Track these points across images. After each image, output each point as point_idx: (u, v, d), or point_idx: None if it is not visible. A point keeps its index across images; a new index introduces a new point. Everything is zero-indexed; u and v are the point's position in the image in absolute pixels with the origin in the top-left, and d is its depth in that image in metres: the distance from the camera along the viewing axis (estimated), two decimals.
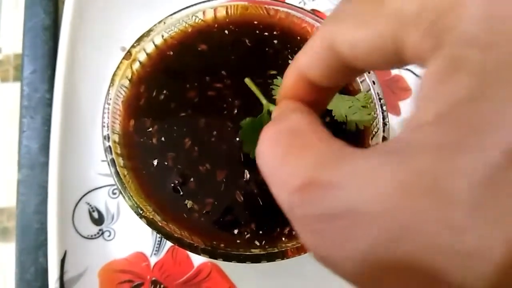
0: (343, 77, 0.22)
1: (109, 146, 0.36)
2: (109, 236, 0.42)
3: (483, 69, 0.13)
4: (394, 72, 0.49)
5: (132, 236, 0.42)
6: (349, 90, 0.39)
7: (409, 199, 0.13)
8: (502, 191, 0.11)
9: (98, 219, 0.42)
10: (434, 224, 0.12)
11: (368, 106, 0.37)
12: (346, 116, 0.36)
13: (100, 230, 0.42)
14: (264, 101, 0.35)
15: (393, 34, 0.17)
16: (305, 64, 0.22)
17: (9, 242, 0.47)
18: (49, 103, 0.44)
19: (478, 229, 0.11)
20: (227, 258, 0.34)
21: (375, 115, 0.37)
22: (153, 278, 0.41)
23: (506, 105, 0.12)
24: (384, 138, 0.36)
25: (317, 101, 0.23)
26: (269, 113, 0.35)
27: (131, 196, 0.34)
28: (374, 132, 0.37)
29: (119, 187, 0.35)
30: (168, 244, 0.42)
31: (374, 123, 0.38)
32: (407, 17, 0.16)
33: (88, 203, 0.42)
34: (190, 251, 0.34)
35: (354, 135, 0.37)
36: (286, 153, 0.18)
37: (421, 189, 0.12)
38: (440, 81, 0.14)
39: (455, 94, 0.13)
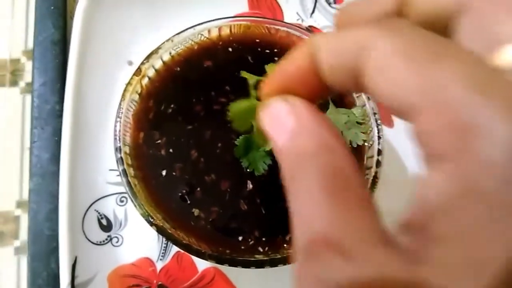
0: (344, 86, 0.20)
1: (121, 157, 0.38)
2: (117, 242, 0.44)
3: (495, 205, 0.13)
4: None
5: (139, 242, 0.44)
6: (345, 103, 0.42)
7: None
8: None
9: (106, 226, 0.44)
10: None
11: (365, 123, 0.40)
12: (342, 132, 0.39)
13: (108, 236, 0.44)
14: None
15: (417, 100, 0.16)
16: (325, 48, 0.19)
17: (5, 246, 0.49)
18: (59, 114, 0.46)
19: None
20: (233, 263, 0.36)
21: (370, 129, 0.40)
22: (160, 283, 0.43)
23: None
24: (379, 151, 0.39)
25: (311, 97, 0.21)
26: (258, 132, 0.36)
27: (142, 204, 0.37)
28: (370, 144, 0.40)
29: (131, 196, 0.37)
30: (174, 249, 0.44)
31: (370, 136, 0.40)
32: (439, 100, 0.15)
33: (97, 211, 0.44)
34: (197, 257, 0.36)
35: (351, 149, 0.40)
36: (321, 195, 0.17)
37: None
38: (451, 200, 0.14)
39: (464, 223, 0.14)
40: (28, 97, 0.52)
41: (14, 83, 0.53)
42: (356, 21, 0.21)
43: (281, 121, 0.19)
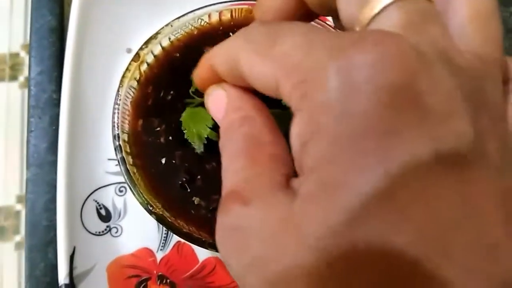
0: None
1: (119, 145, 0.37)
2: (116, 232, 0.43)
3: (334, 137, 0.16)
4: None
5: (139, 233, 0.43)
6: None
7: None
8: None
9: (105, 216, 0.43)
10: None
11: None
12: None
13: (107, 226, 0.43)
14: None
15: (275, 77, 0.19)
16: (216, 62, 0.24)
17: (6, 241, 0.48)
18: (56, 103, 0.45)
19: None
20: None
21: None
22: (160, 273, 0.42)
23: (347, 170, 0.15)
24: None
25: None
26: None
27: (141, 193, 0.36)
28: None
29: (129, 185, 0.36)
30: (174, 240, 0.43)
31: None
32: (286, 66, 0.18)
33: (96, 201, 0.44)
34: (198, 246, 0.35)
35: None
36: (236, 158, 0.21)
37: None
38: (304, 142, 0.17)
39: (315, 157, 0.17)
40: (27, 92, 0.51)
41: (13, 77, 0.53)
42: (267, 15, 0.25)
43: (219, 103, 0.24)
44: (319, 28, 0.19)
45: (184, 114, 0.38)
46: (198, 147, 0.38)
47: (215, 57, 0.24)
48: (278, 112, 0.37)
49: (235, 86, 0.24)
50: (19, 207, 0.48)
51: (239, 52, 0.21)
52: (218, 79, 0.25)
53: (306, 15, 0.25)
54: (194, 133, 0.37)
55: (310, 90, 0.17)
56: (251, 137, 0.21)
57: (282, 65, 0.18)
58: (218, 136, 0.37)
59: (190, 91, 0.38)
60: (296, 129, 0.18)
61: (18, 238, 0.47)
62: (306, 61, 0.17)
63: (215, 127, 0.37)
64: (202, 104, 0.38)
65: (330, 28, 0.42)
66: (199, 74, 0.27)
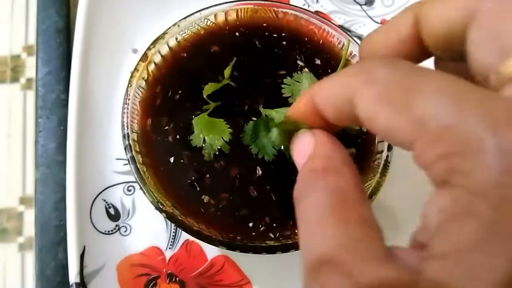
0: (347, 123, 0.23)
1: (129, 144, 0.37)
2: (125, 231, 0.44)
3: (490, 225, 0.15)
4: None
5: (148, 231, 0.44)
6: None
7: None
8: None
9: (114, 215, 0.44)
10: None
11: None
12: None
13: (116, 225, 0.44)
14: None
15: (410, 136, 0.18)
16: (322, 95, 0.23)
17: (9, 243, 0.48)
18: (64, 104, 0.46)
19: None
20: (244, 249, 0.36)
21: None
22: (169, 271, 0.43)
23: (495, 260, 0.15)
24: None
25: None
26: (266, 117, 0.38)
27: (151, 191, 0.36)
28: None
29: (140, 183, 0.36)
30: (183, 238, 0.44)
31: None
32: (430, 132, 0.17)
33: (105, 200, 0.44)
34: (208, 243, 0.36)
35: (361, 133, 0.39)
36: (324, 217, 0.19)
37: None
38: (449, 220, 0.16)
39: (461, 241, 0.15)
40: (29, 93, 0.51)
41: (15, 79, 0.53)
42: (377, 50, 0.24)
43: (303, 148, 0.24)
44: (462, 82, 0.17)
45: (198, 119, 0.38)
46: (208, 156, 0.38)
47: (322, 90, 0.23)
48: (277, 110, 0.38)
49: (326, 133, 0.24)
50: (22, 208, 0.49)
51: (358, 93, 0.20)
52: (314, 118, 0.24)
53: (419, 55, 0.24)
54: (207, 141, 0.38)
55: (462, 166, 0.15)
56: (339, 193, 0.20)
57: (423, 129, 0.17)
58: (230, 150, 0.38)
59: (204, 96, 0.38)
60: (440, 202, 0.16)
61: (21, 239, 0.48)
62: (456, 130, 0.16)
63: (231, 142, 0.38)
64: (217, 113, 0.39)
65: (345, 31, 0.42)
66: (294, 108, 0.25)
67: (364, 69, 0.20)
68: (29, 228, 0.47)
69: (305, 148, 0.23)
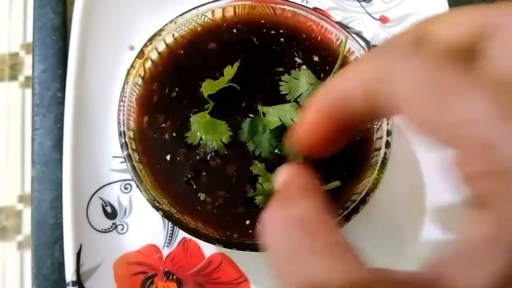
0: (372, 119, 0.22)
1: (125, 142, 0.37)
2: (122, 229, 0.43)
3: None
4: None
5: (145, 229, 0.44)
6: None
7: None
8: None
9: (111, 213, 0.44)
10: None
11: None
12: None
13: (113, 224, 0.43)
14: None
15: (451, 141, 0.17)
16: (349, 84, 0.21)
17: (8, 241, 0.48)
18: (60, 101, 0.45)
19: None
20: (241, 247, 0.35)
21: None
22: (166, 269, 0.43)
23: None
24: (388, 132, 0.38)
25: (331, 143, 0.24)
26: (264, 114, 0.38)
27: (148, 189, 0.36)
28: (378, 125, 0.39)
29: (136, 181, 0.36)
30: (180, 236, 0.43)
31: None
32: (475, 144, 0.16)
33: (101, 198, 0.44)
34: (205, 241, 0.35)
35: (358, 136, 0.39)
36: (295, 250, 0.19)
37: None
38: (491, 242, 0.15)
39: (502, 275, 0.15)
40: (28, 92, 0.51)
41: (13, 77, 0.53)
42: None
43: (281, 179, 0.25)
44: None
45: (198, 117, 0.38)
46: (203, 154, 0.38)
47: (347, 78, 0.21)
48: (280, 106, 0.38)
49: (301, 167, 0.24)
50: (21, 206, 0.48)
51: (397, 74, 0.18)
52: (326, 120, 0.22)
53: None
54: (204, 140, 0.37)
55: (506, 189, 0.15)
56: (302, 224, 0.20)
57: (469, 138, 0.16)
58: (226, 147, 0.38)
59: (205, 95, 0.38)
60: (480, 225, 0.16)
61: (20, 237, 0.47)
62: (503, 149, 0.15)
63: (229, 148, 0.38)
64: (214, 110, 0.38)
65: (344, 27, 0.42)
66: (308, 109, 0.23)
67: (389, 48, 0.20)
68: (28, 227, 0.47)
69: (282, 179, 0.24)
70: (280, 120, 0.36)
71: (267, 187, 0.36)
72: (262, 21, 0.42)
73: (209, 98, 0.38)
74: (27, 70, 0.53)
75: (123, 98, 0.38)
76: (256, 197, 0.36)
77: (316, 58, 0.42)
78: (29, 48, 0.53)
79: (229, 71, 0.39)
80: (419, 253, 0.43)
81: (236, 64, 0.38)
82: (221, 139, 0.37)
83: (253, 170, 0.37)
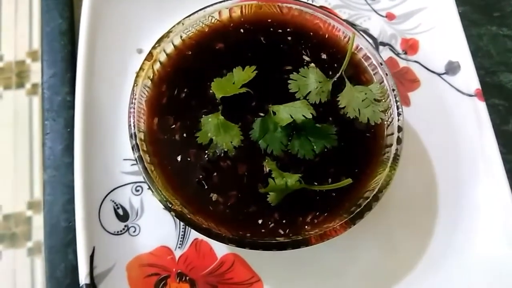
0: None
1: (136, 144, 0.37)
2: (134, 231, 0.43)
3: None
4: (402, 64, 0.50)
5: (156, 231, 0.44)
6: (362, 80, 0.41)
7: None
8: None
9: (123, 216, 0.44)
10: None
11: (383, 99, 0.39)
12: (359, 109, 0.38)
13: (125, 226, 0.43)
14: None
15: None
16: None
17: (18, 248, 0.48)
18: (70, 105, 0.46)
19: None
20: (254, 246, 0.35)
21: (390, 105, 0.39)
22: (179, 271, 0.43)
23: None
24: (399, 128, 0.38)
25: None
26: (274, 113, 0.37)
27: (160, 190, 0.36)
28: (389, 122, 0.39)
29: (148, 182, 0.36)
30: (192, 237, 0.43)
31: (389, 113, 0.39)
32: None
33: (113, 201, 0.44)
34: (218, 241, 0.35)
35: (370, 127, 0.39)
36: None
37: None
38: None
39: None
40: (35, 99, 0.52)
41: (20, 85, 0.53)
42: None
43: None
44: None
45: (210, 118, 0.38)
46: (212, 154, 0.38)
47: None
48: (290, 104, 0.37)
49: None
50: (30, 213, 0.49)
51: None
52: None
53: None
54: (214, 141, 0.37)
55: None
56: None
57: None
58: (237, 150, 0.38)
59: (217, 95, 0.38)
60: None
61: (30, 244, 0.48)
62: None
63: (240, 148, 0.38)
64: (224, 109, 0.39)
65: (344, 23, 0.42)
66: None
67: None
68: (38, 233, 0.47)
69: None
70: (291, 117, 0.36)
71: (279, 182, 0.35)
72: (269, 20, 0.42)
73: (220, 99, 0.38)
74: (34, 78, 0.53)
75: (133, 100, 0.38)
76: (268, 195, 0.36)
77: (324, 56, 0.42)
78: (36, 56, 0.53)
79: (243, 75, 0.38)
80: (434, 251, 0.43)
81: (251, 69, 0.38)
82: (231, 142, 0.37)
83: (265, 167, 0.37)
